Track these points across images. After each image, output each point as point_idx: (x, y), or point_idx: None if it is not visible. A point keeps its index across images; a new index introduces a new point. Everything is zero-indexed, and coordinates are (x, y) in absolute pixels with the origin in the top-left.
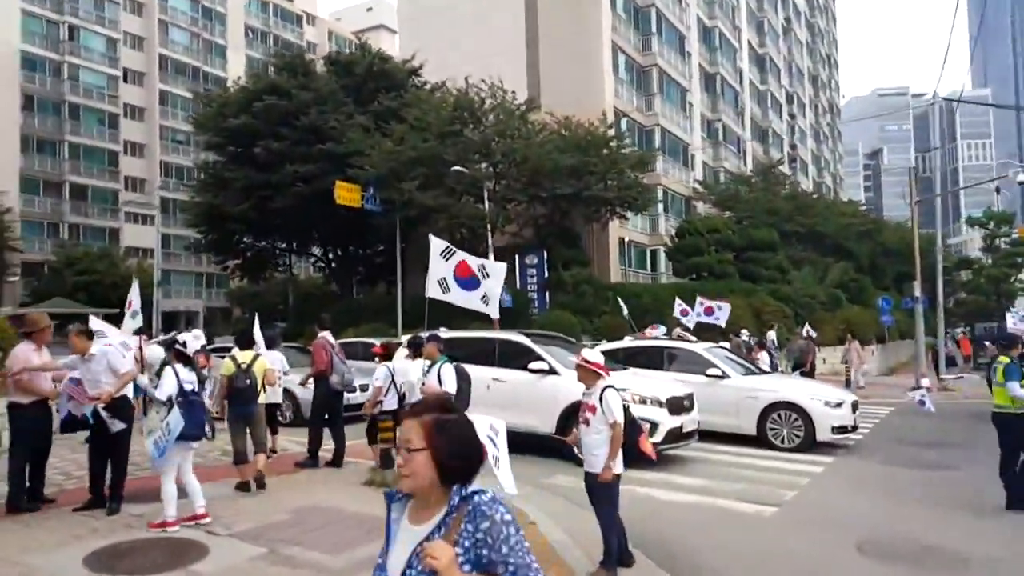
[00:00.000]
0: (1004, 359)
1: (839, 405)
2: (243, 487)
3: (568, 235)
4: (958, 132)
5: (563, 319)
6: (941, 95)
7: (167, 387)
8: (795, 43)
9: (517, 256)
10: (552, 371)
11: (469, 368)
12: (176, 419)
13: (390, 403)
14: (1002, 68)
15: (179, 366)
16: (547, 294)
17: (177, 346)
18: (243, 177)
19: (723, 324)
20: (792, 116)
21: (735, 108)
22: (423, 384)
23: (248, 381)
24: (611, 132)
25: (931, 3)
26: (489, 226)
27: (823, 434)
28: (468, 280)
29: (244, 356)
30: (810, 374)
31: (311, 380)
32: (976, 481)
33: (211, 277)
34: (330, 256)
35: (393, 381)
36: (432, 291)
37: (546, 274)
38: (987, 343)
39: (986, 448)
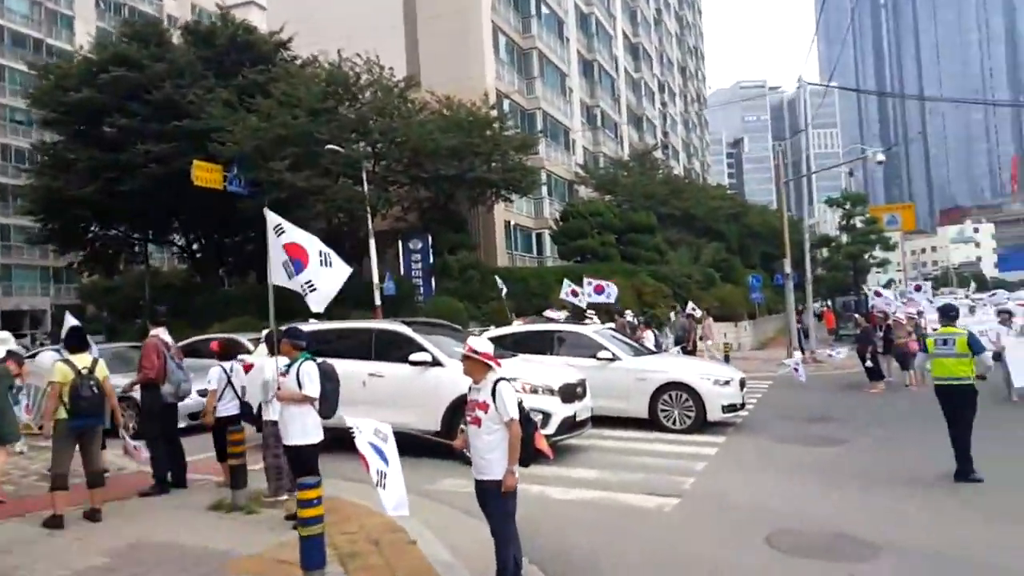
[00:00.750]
0: (957, 330)
1: (727, 383)
2: (54, 523)
3: (453, 219)
4: (809, 121)
5: (450, 306)
6: (792, 88)
7: None
8: (665, 34)
9: (400, 241)
10: (436, 362)
11: (343, 363)
12: None
13: (228, 408)
14: (844, 64)
15: None
16: (433, 280)
17: None
18: (87, 158)
19: (613, 302)
20: (664, 104)
21: (612, 95)
22: (278, 387)
23: (95, 390)
24: (494, 113)
25: (786, 1)
26: (369, 209)
27: (714, 414)
28: (299, 262)
29: (81, 360)
30: (692, 352)
31: (137, 388)
32: (867, 455)
33: (59, 272)
34: (193, 246)
35: (230, 382)
36: (277, 277)
37: (431, 259)
38: (857, 316)
39: (867, 419)
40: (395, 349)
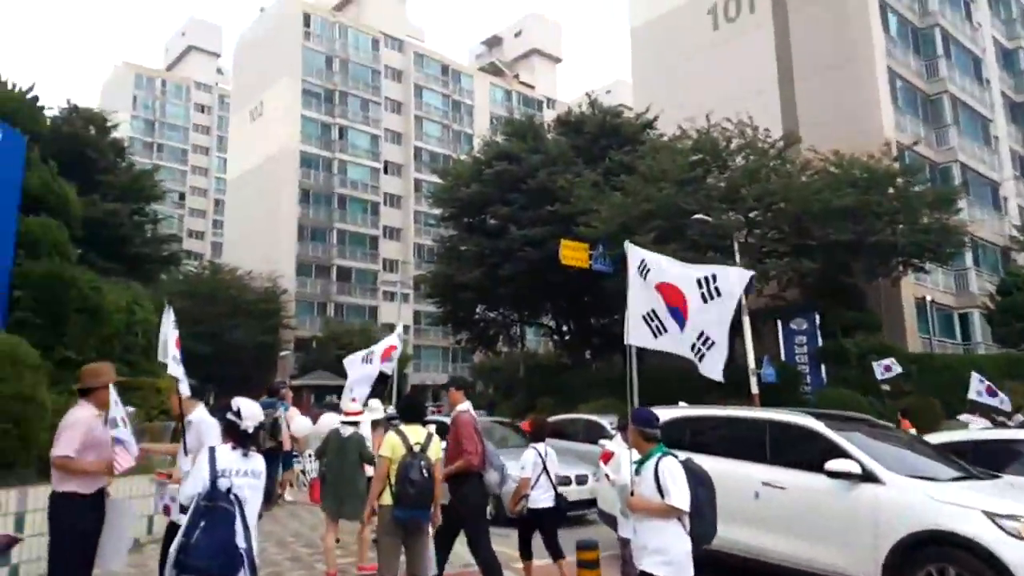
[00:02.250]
0: None
1: None
2: None
3: (848, 294)
4: None
5: (847, 399)
6: None
7: (193, 483)
8: None
9: (780, 321)
10: (868, 476)
11: (721, 464)
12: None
13: (542, 500)
14: None
15: (225, 448)
16: (822, 367)
17: (229, 415)
18: (474, 246)
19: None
20: None
21: None
22: (631, 492)
23: (425, 473)
24: (897, 165)
25: None
26: None
27: None
28: (677, 312)
29: (414, 434)
30: None
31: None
32: None
33: (456, 352)
34: (563, 328)
35: (545, 468)
36: (637, 335)
37: (819, 342)
38: None
39: None
40: (801, 451)
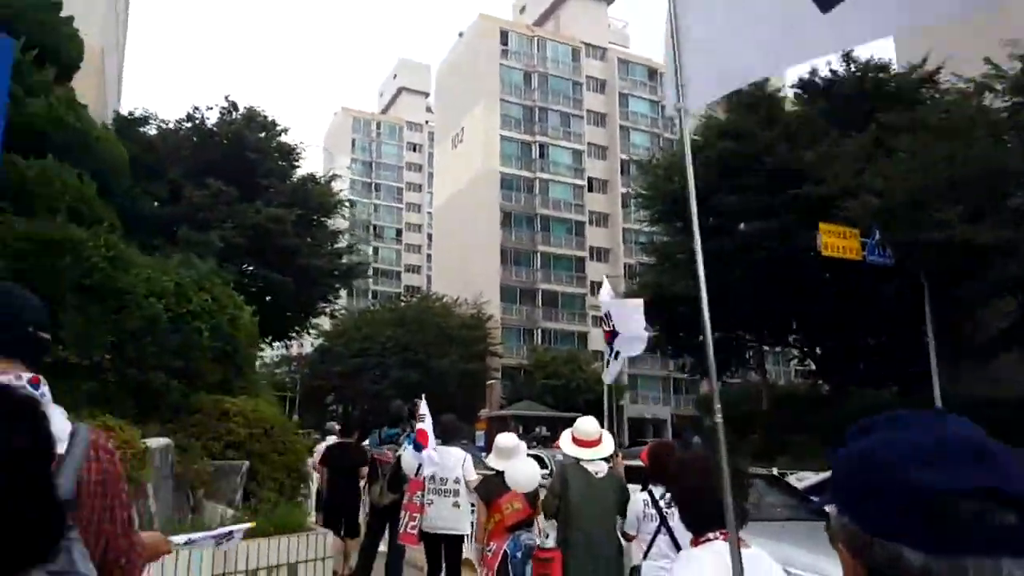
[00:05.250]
0: None
1: None
2: None
3: None
4: None
5: None
6: None
7: None
8: None
9: None
10: None
11: None
12: None
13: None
14: None
15: None
16: None
17: None
18: (686, 250)
19: None
20: None
21: None
22: None
23: None
24: None
25: None
26: None
27: None
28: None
29: None
30: None
31: None
32: None
33: (678, 382)
34: (816, 349)
35: (664, 525)
36: None
37: None
38: None
39: None
40: None
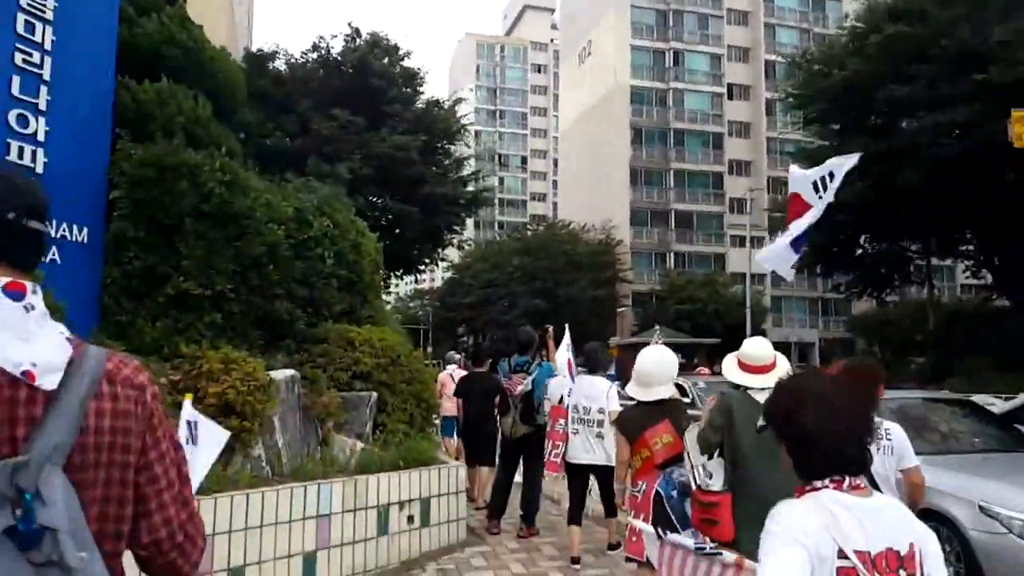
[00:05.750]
0: None
1: None
2: None
3: None
4: None
5: None
6: None
7: None
8: None
9: None
10: None
11: None
12: None
13: None
14: None
15: None
16: None
17: None
18: (854, 149)
19: None
20: None
21: None
22: None
23: None
24: None
25: None
26: None
27: None
28: None
29: None
30: None
31: None
32: None
33: (827, 303)
34: (995, 259)
35: None
36: None
37: None
38: None
39: None
40: None
